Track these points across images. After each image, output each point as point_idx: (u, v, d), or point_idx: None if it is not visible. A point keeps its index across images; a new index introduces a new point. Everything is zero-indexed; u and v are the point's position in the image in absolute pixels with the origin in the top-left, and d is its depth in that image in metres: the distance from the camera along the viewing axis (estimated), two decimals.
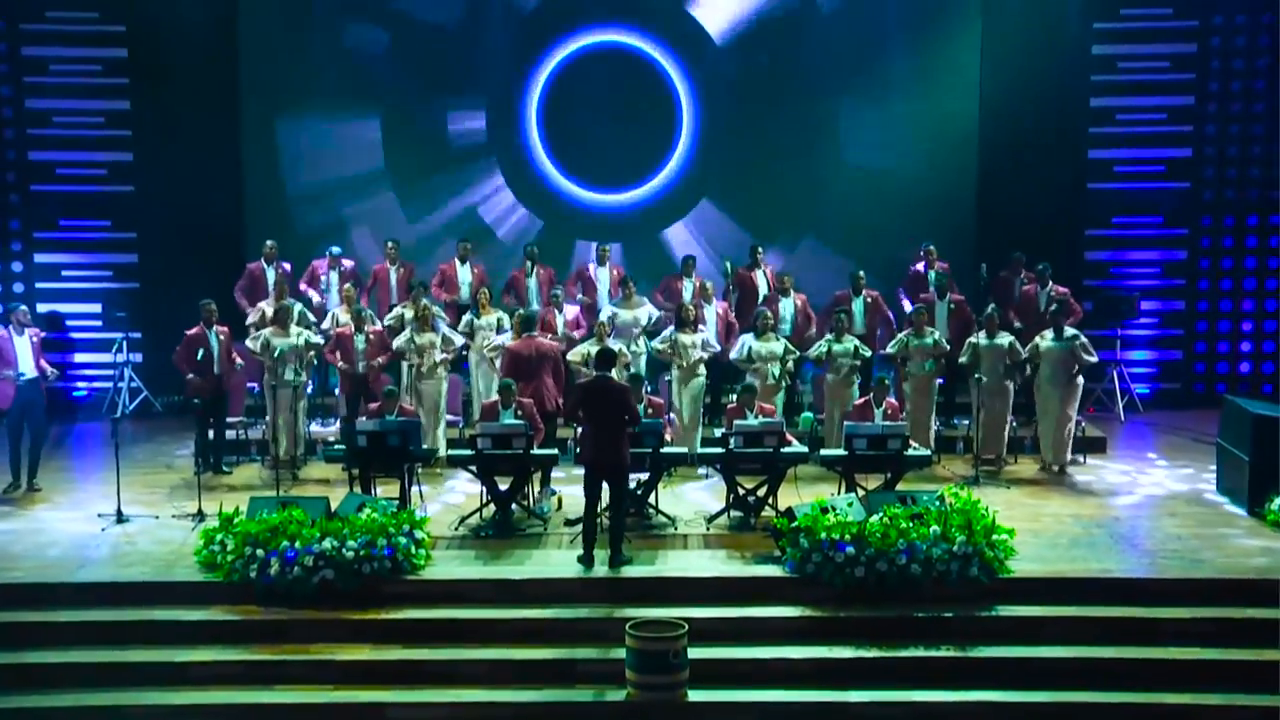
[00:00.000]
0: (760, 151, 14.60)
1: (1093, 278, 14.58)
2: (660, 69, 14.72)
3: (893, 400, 11.09)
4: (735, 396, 11.00)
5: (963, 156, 14.56)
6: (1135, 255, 14.81)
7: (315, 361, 12.38)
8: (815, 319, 12.96)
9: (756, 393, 10.94)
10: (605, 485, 9.26)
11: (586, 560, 9.16)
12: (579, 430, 9.82)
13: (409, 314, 12.55)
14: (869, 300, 13.03)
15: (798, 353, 12.11)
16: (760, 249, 13.56)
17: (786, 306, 12.77)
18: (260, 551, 8.86)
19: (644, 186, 14.82)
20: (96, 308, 14.43)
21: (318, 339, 12.18)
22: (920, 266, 13.56)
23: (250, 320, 12.91)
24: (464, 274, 13.58)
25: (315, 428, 12.78)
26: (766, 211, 14.65)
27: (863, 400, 11.13)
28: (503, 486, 10.19)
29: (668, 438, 10.47)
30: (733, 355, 12.13)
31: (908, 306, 13.07)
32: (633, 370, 11.71)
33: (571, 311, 12.93)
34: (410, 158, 14.66)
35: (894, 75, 14.51)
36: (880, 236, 14.47)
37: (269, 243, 13.53)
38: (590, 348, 11.81)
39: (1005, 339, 11.88)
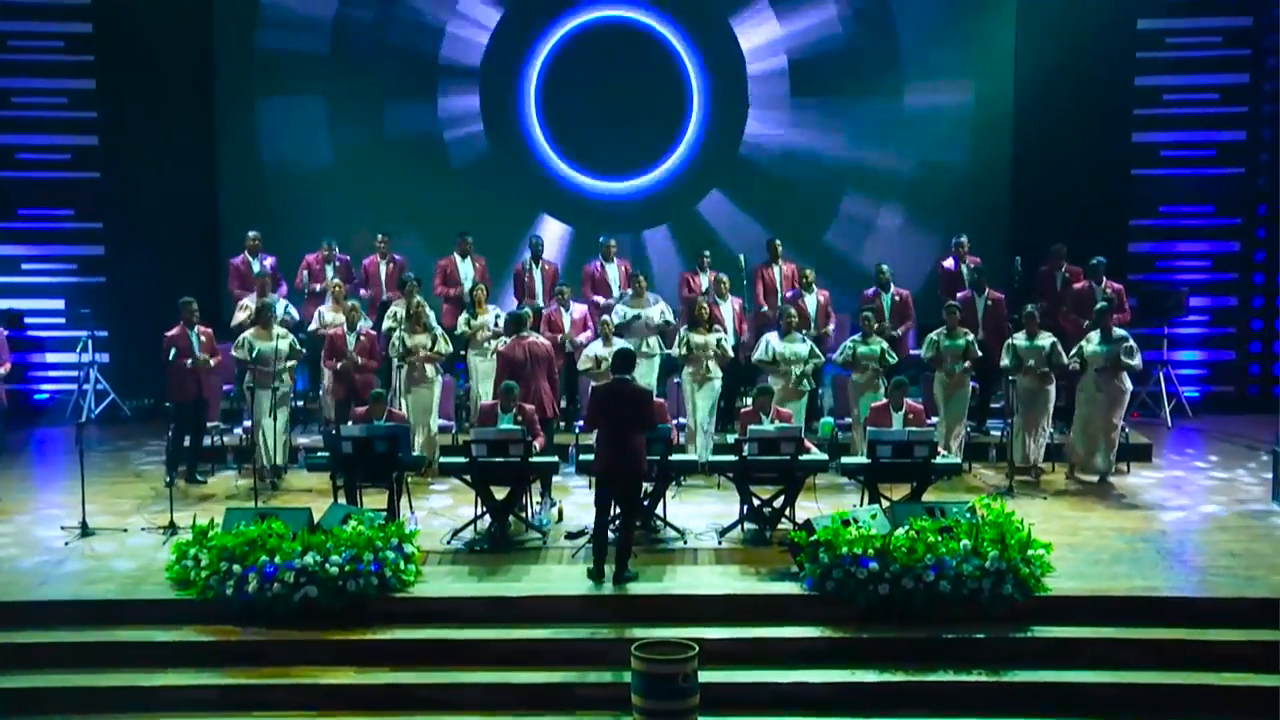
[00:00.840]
0: (775, 137, 14.64)
1: (1137, 272, 14.58)
2: (669, 46, 14.76)
3: (914, 403, 11.10)
4: (750, 400, 11.00)
5: (996, 141, 14.60)
6: (1184, 247, 14.81)
7: (298, 365, 12.39)
8: (834, 318, 12.98)
9: (773, 395, 10.95)
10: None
11: (597, 575, 9.19)
12: (578, 436, 9.80)
13: (400, 310, 12.60)
14: (897, 299, 13.05)
15: (822, 356, 12.12)
16: (778, 243, 13.62)
17: (809, 304, 12.80)
18: (237, 567, 8.88)
19: (649, 175, 14.91)
20: (59, 304, 14.50)
21: (301, 349, 12.17)
22: (951, 262, 13.59)
23: (237, 319, 12.94)
24: (465, 269, 13.63)
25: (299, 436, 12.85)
26: (784, 202, 14.71)
27: (881, 404, 11.16)
28: (499, 496, 10.21)
29: (682, 442, 10.48)
30: (755, 356, 12.16)
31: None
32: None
33: (579, 310, 12.96)
34: (399, 143, 14.75)
35: (920, 53, 14.56)
36: (907, 229, 14.48)
37: (251, 234, 13.54)
38: (599, 350, 11.85)
39: (1046, 340, 11.86)
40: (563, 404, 12.22)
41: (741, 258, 13.45)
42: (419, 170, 14.71)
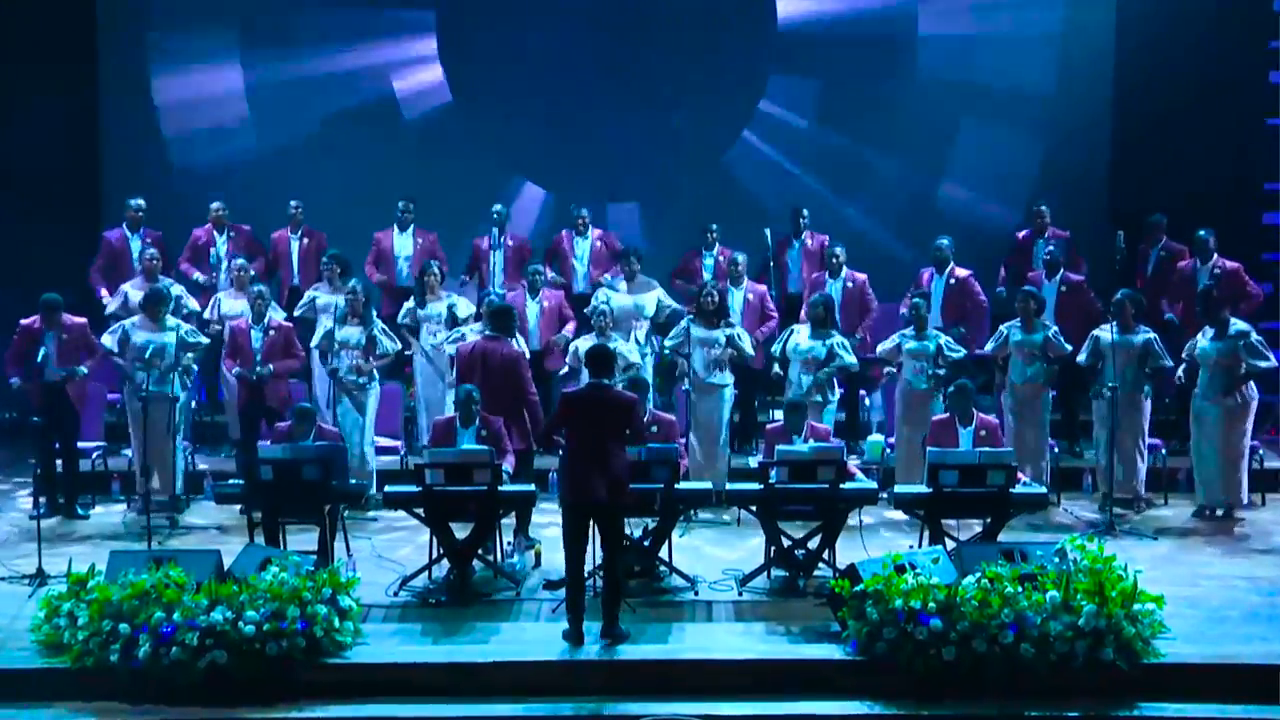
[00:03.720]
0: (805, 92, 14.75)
1: (1274, 249, 14.57)
2: None
3: (988, 417, 11.09)
4: (782, 415, 11.02)
5: (1092, 83, 14.63)
6: None
7: (196, 367, 12.42)
8: (874, 308, 13.01)
9: (807, 412, 10.98)
10: (595, 531, 9.29)
11: (574, 637, 9.18)
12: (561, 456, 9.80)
13: (326, 299, 12.64)
14: (953, 281, 13.06)
15: (847, 359, 12.10)
16: (804, 213, 13.61)
17: (834, 291, 12.85)
18: (125, 627, 8.85)
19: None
20: None
21: (204, 339, 12.21)
22: (1027, 234, 13.62)
23: (110, 309, 12.98)
24: (403, 244, 13.63)
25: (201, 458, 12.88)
26: (814, 156, 14.83)
27: (943, 417, 11.15)
28: (460, 535, 10.22)
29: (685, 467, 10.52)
30: (774, 349, 12.24)
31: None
32: (634, 373, 11.76)
33: (553, 299, 12.99)
34: (334, 90, 14.77)
35: None
36: (974, 193, 14.52)
37: (134, 202, 13.62)
38: (583, 344, 11.87)
39: (1141, 335, 11.88)
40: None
41: (766, 232, 13.49)
42: (359, 125, 14.77)
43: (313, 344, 12.41)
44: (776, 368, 12.26)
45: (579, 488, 9.22)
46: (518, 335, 11.75)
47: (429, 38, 14.86)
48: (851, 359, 12.13)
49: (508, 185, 14.90)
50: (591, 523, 9.28)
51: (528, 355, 11.77)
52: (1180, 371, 11.96)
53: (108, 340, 12.01)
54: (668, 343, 12.30)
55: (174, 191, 14.39)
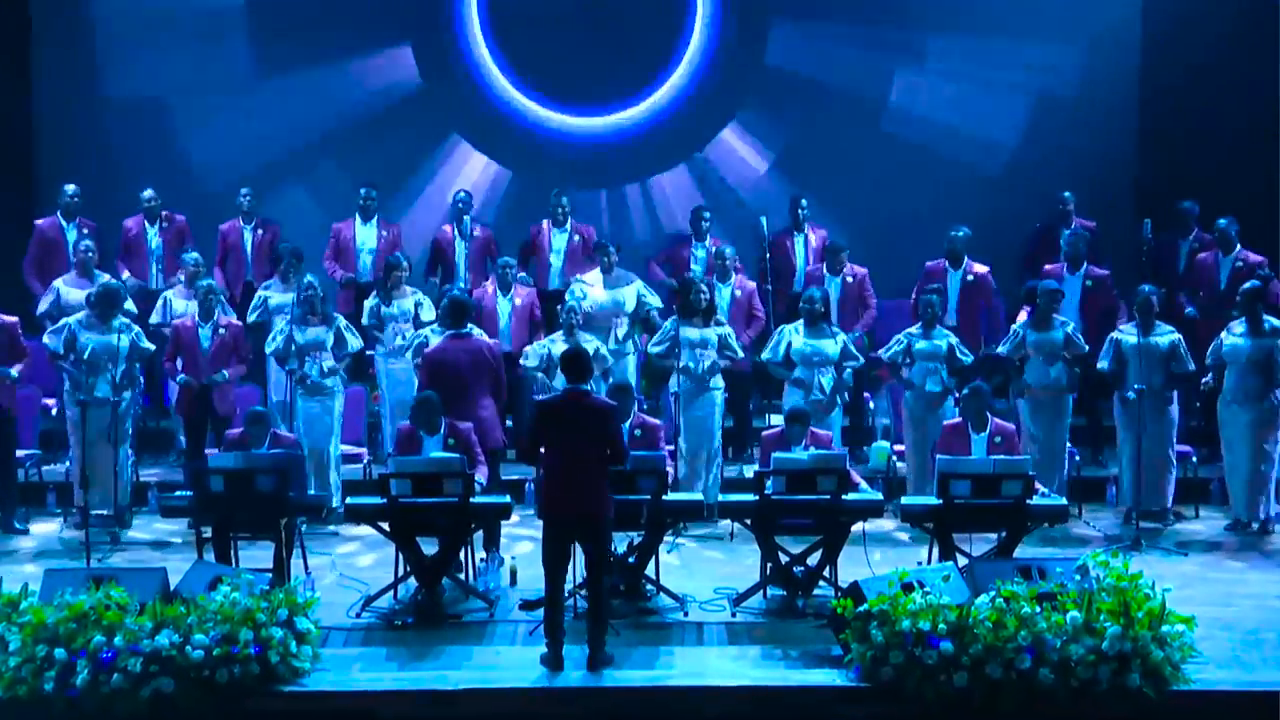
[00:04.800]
0: (808, 57, 14.75)
1: None
2: None
3: (1003, 422, 11.11)
4: (783, 421, 11.04)
5: (1118, 56, 14.69)
6: None
7: (140, 371, 12.43)
8: (873, 304, 13.04)
9: (809, 419, 11.00)
10: (578, 548, 9.30)
11: (554, 662, 9.18)
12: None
13: (279, 298, 12.69)
14: (970, 278, 13.10)
15: (860, 358, 12.16)
16: (804, 203, 13.61)
17: (832, 288, 12.88)
18: (61, 652, 8.80)
19: (636, 108, 15.00)
20: None
21: (149, 346, 12.20)
22: (1048, 224, 13.69)
23: (41, 308, 12.95)
24: (365, 236, 13.62)
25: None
26: (814, 144, 14.83)
27: (954, 422, 11.16)
28: (429, 551, 10.22)
29: (684, 476, 10.53)
30: (764, 354, 12.22)
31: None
32: (615, 379, 11.77)
33: (524, 295, 13.00)
34: (285, 62, 14.81)
35: None
36: (992, 180, 14.53)
37: (68, 188, 13.61)
38: (553, 346, 11.86)
39: (1167, 336, 11.91)
40: (508, 424, 12.28)
41: (763, 221, 13.49)
42: (312, 101, 14.80)
43: (268, 349, 12.33)
44: (772, 354, 12.18)
45: (559, 501, 9.23)
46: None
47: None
48: (859, 359, 12.19)
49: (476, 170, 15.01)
50: (573, 539, 9.28)
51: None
52: (1209, 376, 11.97)
53: (51, 340, 11.96)
54: (653, 349, 12.26)
55: (117, 177, 14.40)
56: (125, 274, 13.55)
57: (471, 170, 14.98)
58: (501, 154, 15.10)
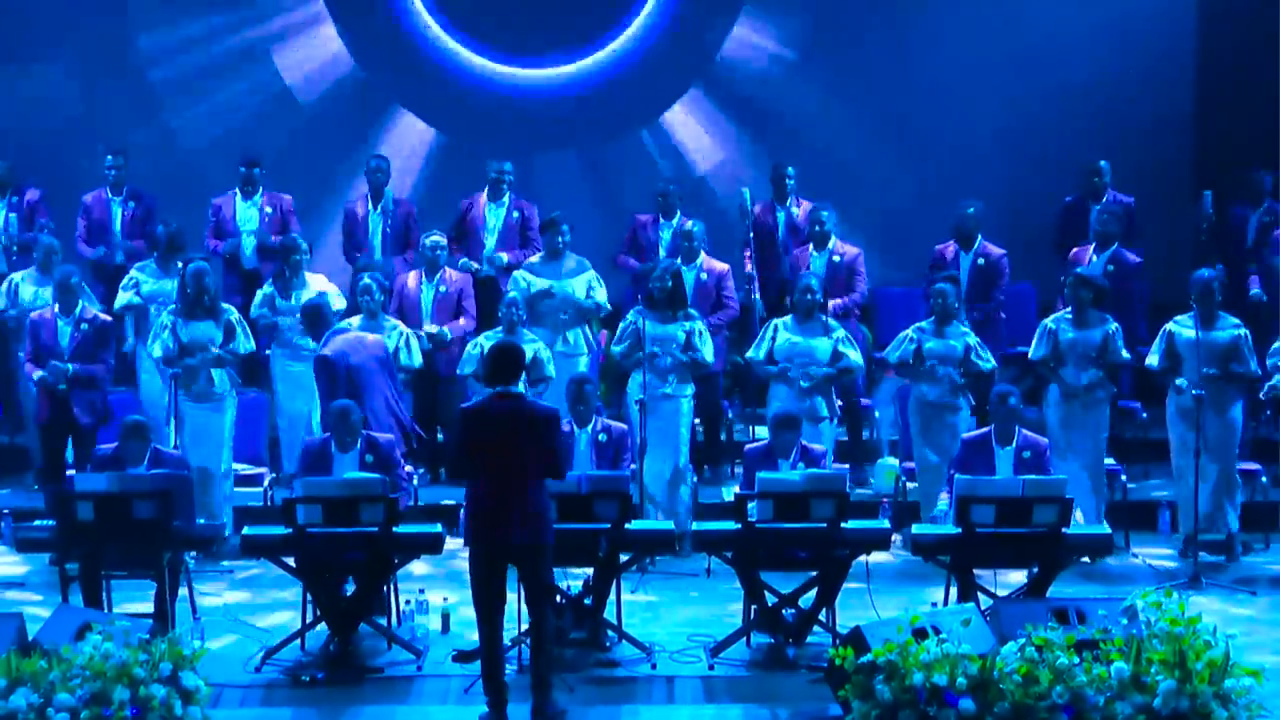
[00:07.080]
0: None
1: None
2: None
3: (1033, 436, 11.14)
4: (768, 430, 11.05)
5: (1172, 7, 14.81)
6: None
7: None
8: (861, 289, 13.19)
9: (799, 425, 11.01)
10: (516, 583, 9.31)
11: None
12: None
13: (153, 284, 12.78)
14: (982, 262, 13.16)
15: (859, 361, 12.17)
16: (790, 172, 13.66)
17: (817, 267, 12.95)
18: None
19: (590, 58, 15.13)
20: None
21: None
22: (1077, 198, 13.82)
23: None
24: (246, 214, 13.65)
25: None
26: (803, 102, 14.94)
27: (975, 435, 11.16)
28: (344, 592, 10.25)
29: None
30: (750, 354, 12.26)
31: None
32: (575, 373, 11.85)
33: (452, 282, 13.02)
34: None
35: None
36: (1012, 154, 14.61)
37: None
38: (486, 343, 11.86)
39: (1228, 330, 11.94)
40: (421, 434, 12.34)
41: (746, 193, 13.52)
42: (196, 49, 14.88)
43: (154, 352, 12.24)
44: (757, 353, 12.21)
45: (489, 526, 9.22)
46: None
47: None
48: (858, 358, 12.20)
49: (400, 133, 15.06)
50: (504, 571, 9.25)
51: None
52: (1276, 379, 12.00)
53: None
54: (615, 348, 12.26)
55: None
56: None
57: (407, 134, 15.12)
58: (435, 115, 15.18)
